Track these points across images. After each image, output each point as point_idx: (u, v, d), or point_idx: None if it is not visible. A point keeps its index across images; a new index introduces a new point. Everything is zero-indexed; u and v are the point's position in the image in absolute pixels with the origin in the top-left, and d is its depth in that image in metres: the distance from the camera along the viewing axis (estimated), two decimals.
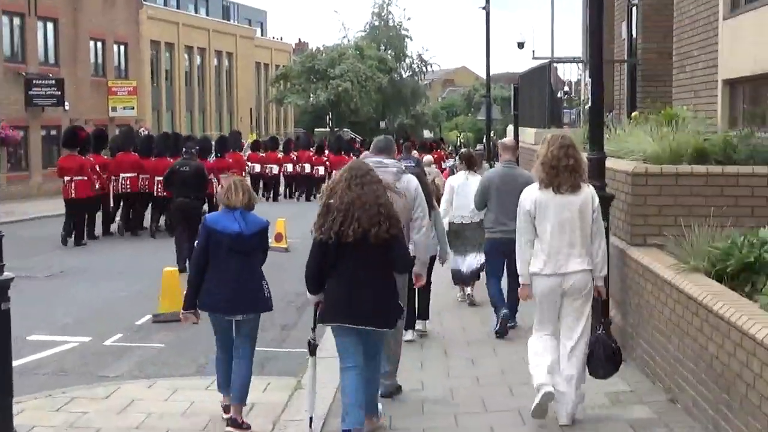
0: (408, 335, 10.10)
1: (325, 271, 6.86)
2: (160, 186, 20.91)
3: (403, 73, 76.37)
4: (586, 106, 14.82)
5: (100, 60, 46.26)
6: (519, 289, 7.61)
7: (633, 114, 11.55)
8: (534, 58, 36.64)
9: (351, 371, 6.91)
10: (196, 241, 7.64)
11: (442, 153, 38.57)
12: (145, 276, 15.65)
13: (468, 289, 13.04)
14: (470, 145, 59.02)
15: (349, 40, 74.37)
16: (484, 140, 66.02)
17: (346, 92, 65.64)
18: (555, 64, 17.68)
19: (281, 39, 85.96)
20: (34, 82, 36.88)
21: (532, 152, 15.62)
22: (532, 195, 7.35)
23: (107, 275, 16.76)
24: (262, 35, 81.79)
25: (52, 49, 39.72)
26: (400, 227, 6.98)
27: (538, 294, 7.38)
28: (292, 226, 24.24)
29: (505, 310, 10.56)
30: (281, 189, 37.11)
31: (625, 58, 17.50)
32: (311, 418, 7.23)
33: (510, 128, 24.20)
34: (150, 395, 8.63)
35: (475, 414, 7.85)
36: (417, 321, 10.65)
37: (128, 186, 22.44)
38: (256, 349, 7.96)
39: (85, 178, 20.85)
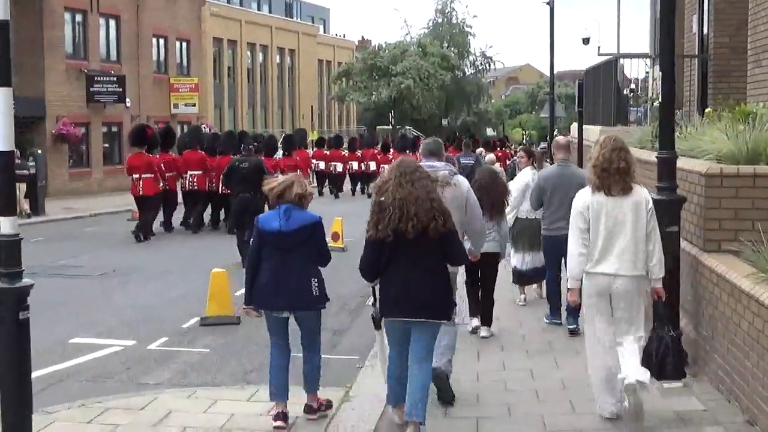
0: (474, 322, 10.58)
1: (381, 265, 6.94)
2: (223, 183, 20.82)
3: (466, 70, 75.57)
4: (655, 103, 14.13)
5: (162, 57, 46.41)
6: (567, 294, 7.67)
7: (706, 111, 10.88)
8: (599, 54, 35.71)
9: (394, 363, 7.19)
10: (251, 239, 7.65)
11: (507, 151, 37.80)
12: (199, 276, 15.25)
13: (534, 287, 12.86)
14: (534, 143, 58.09)
15: (411, 38, 73.80)
16: (548, 138, 65.45)
17: (408, 89, 65.03)
18: (621, 60, 16.95)
19: (344, 36, 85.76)
20: (95, 78, 37.00)
21: None
22: (584, 198, 7.42)
23: (160, 275, 16.46)
24: (324, 32, 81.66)
25: (114, 46, 39.87)
26: (453, 221, 7.03)
27: (589, 292, 7.42)
28: (351, 224, 23.81)
29: (571, 326, 10.51)
30: (346, 186, 36.93)
31: (696, 53, 16.72)
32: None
33: (574, 126, 23.49)
34: (188, 406, 8.16)
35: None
36: (482, 328, 10.67)
37: (195, 184, 22.72)
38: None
39: (153, 175, 21.30)
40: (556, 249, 10.40)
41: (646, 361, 7.38)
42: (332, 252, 18.06)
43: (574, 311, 10.26)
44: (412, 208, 6.77)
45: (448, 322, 7.38)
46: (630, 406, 7.29)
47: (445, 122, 73.55)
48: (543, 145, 44.80)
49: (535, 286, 12.90)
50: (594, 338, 7.47)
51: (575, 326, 10.43)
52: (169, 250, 19.83)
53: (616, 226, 7.26)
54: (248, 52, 62.69)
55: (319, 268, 7.70)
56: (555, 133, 25.98)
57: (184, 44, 48.45)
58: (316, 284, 7.48)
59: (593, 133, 16.22)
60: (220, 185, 21.48)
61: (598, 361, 7.42)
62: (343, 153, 36.74)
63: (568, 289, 7.58)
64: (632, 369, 7.19)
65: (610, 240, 7.26)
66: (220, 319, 11.85)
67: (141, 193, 21.28)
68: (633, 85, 20.27)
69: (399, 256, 6.86)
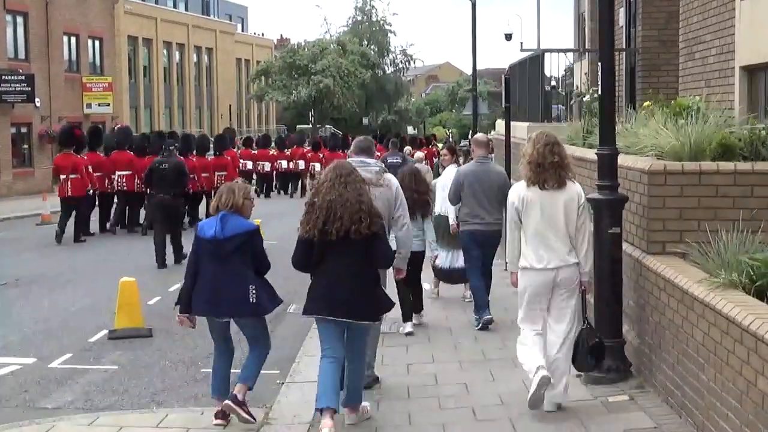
0: (407, 327, 10.67)
1: (310, 264, 7.15)
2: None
3: (386, 68, 75.08)
4: (585, 98, 13.65)
5: (73, 55, 44.97)
6: (511, 278, 7.94)
7: (645, 104, 10.38)
8: (522, 50, 35.41)
9: (329, 360, 7.09)
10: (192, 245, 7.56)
11: (434, 149, 37.29)
12: (110, 284, 14.31)
13: (465, 289, 12.45)
14: (456, 141, 57.82)
15: (331, 36, 73.05)
16: (469, 136, 65.12)
17: (327, 88, 64.23)
18: (547, 55, 16.43)
19: (263, 35, 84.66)
20: (2, 77, 35.51)
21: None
22: (519, 192, 7.58)
23: (67, 283, 15.45)
24: (243, 31, 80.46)
25: (22, 43, 38.31)
26: (382, 224, 7.23)
27: (526, 288, 7.54)
28: (275, 225, 23.11)
29: (488, 316, 10.70)
30: (274, 186, 36.73)
31: (624, 46, 16.31)
32: None
33: (499, 122, 23.02)
34: None
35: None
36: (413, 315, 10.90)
37: (124, 184, 22.49)
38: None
39: (79, 176, 20.99)
40: (475, 243, 10.88)
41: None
42: None
43: (483, 308, 10.70)
44: (339, 210, 6.94)
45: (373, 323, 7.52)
46: (534, 394, 7.31)
47: (365, 121, 72.97)
48: (464, 142, 44.39)
49: (463, 286, 12.56)
50: (529, 335, 7.56)
51: (489, 317, 10.66)
52: (80, 256, 18.81)
53: (553, 219, 7.41)
54: (164, 51, 61.34)
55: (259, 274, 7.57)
56: (478, 130, 25.41)
57: (97, 42, 47.06)
58: (254, 291, 7.31)
59: (521, 129, 15.68)
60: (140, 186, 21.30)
61: (527, 354, 7.51)
62: (271, 152, 36.39)
63: (510, 273, 7.90)
64: (551, 361, 7.41)
65: (545, 233, 7.42)
66: (129, 331, 11.03)
67: (69, 194, 20.85)
68: (553, 82, 19.85)
69: (326, 256, 7.04)
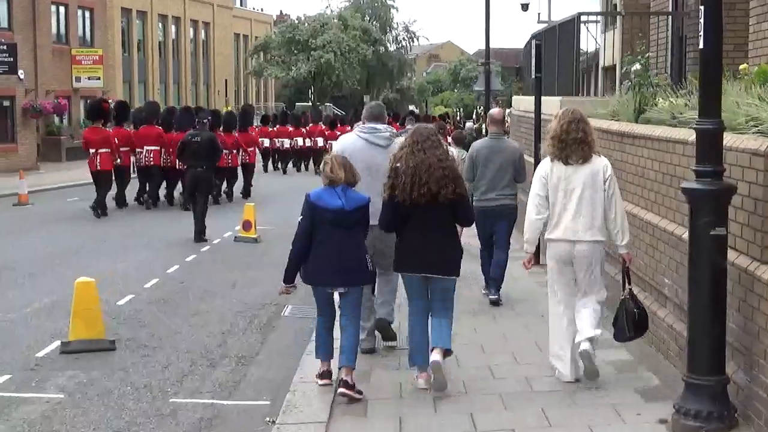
0: None
1: (397, 225, 7.47)
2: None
3: (388, 45, 72.83)
4: (635, 66, 11.55)
5: (62, 26, 42.80)
6: (525, 259, 8.03)
7: (741, 67, 8.39)
8: (540, 21, 33.30)
9: (415, 317, 7.56)
10: (299, 218, 7.47)
11: (449, 128, 35.41)
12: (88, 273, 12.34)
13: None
14: (462, 121, 55.66)
15: (332, 11, 70.76)
16: (475, 114, 62.94)
17: (328, 64, 62.04)
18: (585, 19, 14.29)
19: (262, 10, 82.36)
20: None
21: None
22: (544, 168, 7.58)
23: (28, 277, 13.33)
24: (241, 6, 78.19)
25: (4, 11, 36.05)
26: (464, 186, 7.61)
27: (551, 259, 7.61)
28: (277, 207, 21.44)
29: (494, 296, 10.61)
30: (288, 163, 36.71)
31: (669, 9, 14.27)
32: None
33: (516, 99, 20.93)
34: None
35: None
36: None
37: (151, 159, 22.51)
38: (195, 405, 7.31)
39: (110, 150, 21.23)
40: (489, 221, 10.70)
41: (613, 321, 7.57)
42: (243, 244, 15.67)
43: (496, 283, 10.64)
44: (424, 176, 7.23)
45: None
46: (585, 370, 7.39)
47: (366, 99, 70.75)
48: (468, 124, 42.25)
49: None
50: (555, 305, 7.62)
51: (496, 297, 10.54)
52: (63, 239, 16.74)
53: (573, 194, 7.37)
54: (160, 24, 59.20)
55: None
56: (493, 106, 23.45)
57: (87, 13, 44.85)
58: (369, 259, 7.60)
59: (551, 104, 13.62)
60: (176, 161, 20.82)
61: (559, 328, 7.57)
62: (289, 129, 36.32)
63: (526, 252, 7.97)
64: (585, 331, 7.36)
65: (568, 207, 7.40)
66: (86, 344, 8.97)
67: (99, 168, 20.91)
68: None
69: (413, 218, 7.36)
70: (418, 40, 75.76)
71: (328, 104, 65.27)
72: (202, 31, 65.40)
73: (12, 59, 33.96)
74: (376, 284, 8.49)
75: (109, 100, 44.61)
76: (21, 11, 36.61)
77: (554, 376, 7.63)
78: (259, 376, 8.41)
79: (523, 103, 17.64)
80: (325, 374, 7.56)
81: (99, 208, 20.46)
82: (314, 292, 7.64)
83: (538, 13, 33.36)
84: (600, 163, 7.43)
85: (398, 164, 7.33)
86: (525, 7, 34.30)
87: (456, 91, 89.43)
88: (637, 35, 16.10)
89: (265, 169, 35.14)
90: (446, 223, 7.46)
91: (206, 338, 9.73)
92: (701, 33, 6.11)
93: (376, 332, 8.60)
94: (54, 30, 41.66)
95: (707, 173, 6.02)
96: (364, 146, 8.42)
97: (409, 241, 7.43)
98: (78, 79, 43.21)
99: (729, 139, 6.39)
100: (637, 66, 11.48)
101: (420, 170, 7.22)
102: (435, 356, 7.31)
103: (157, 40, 58.80)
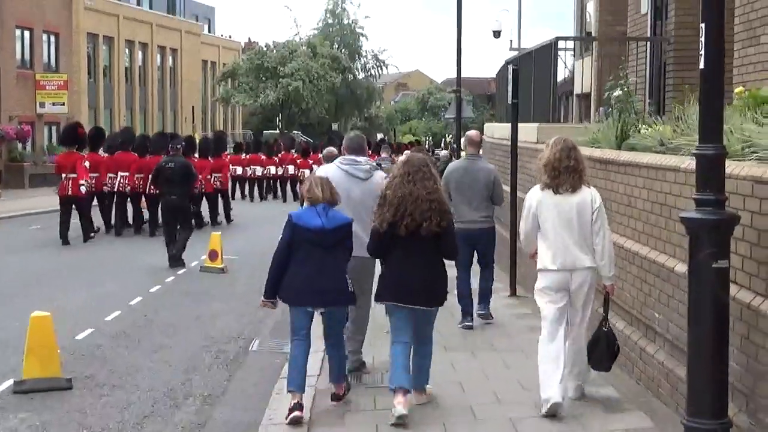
0: None
1: (383, 253, 7.51)
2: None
3: (357, 73, 72.59)
4: (615, 93, 11.22)
5: (27, 51, 42.21)
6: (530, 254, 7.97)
7: (737, 90, 8.04)
8: (512, 48, 33.13)
9: (400, 345, 7.41)
10: (280, 237, 7.52)
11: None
12: (52, 302, 11.75)
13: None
14: (431, 149, 55.41)
15: (301, 38, 70.45)
16: (443, 143, 62.68)
17: (296, 92, 61.66)
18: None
19: (230, 37, 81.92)
20: None
21: (533, 152, 12.04)
22: (535, 195, 7.59)
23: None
24: (209, 32, 77.70)
25: None
26: (451, 219, 7.57)
27: (543, 289, 7.49)
28: (242, 236, 21.09)
29: (482, 311, 10.76)
30: (262, 191, 36.52)
31: (648, 35, 13.97)
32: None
33: (488, 126, 20.58)
34: None
35: None
36: None
37: (127, 185, 22.36)
38: None
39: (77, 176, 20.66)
40: (468, 243, 10.39)
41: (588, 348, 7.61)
42: (209, 274, 15.12)
43: (486, 299, 10.79)
44: (409, 206, 7.26)
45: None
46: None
47: (335, 127, 70.47)
48: (442, 152, 41.95)
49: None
50: (547, 334, 7.41)
51: (485, 312, 10.70)
52: (32, 264, 16.12)
53: (567, 223, 7.36)
54: (126, 50, 58.59)
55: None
56: (463, 133, 23.01)
57: (53, 38, 44.34)
58: (349, 280, 7.56)
59: (528, 132, 13.27)
60: (148, 187, 20.77)
61: (549, 356, 7.33)
62: (262, 157, 36.22)
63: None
64: (572, 379, 7.55)
65: (562, 235, 7.37)
66: (41, 383, 8.41)
67: (70, 193, 20.44)
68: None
69: (398, 248, 7.38)
70: (387, 68, 75.75)
71: (296, 132, 64.74)
72: (170, 58, 64.84)
73: None
74: (349, 319, 8.23)
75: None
76: None
77: (539, 416, 7.24)
78: (226, 418, 7.89)
79: (498, 130, 17.29)
80: (296, 406, 7.20)
81: (89, 234, 20.59)
82: (292, 314, 7.52)
83: (510, 40, 33.29)
84: (588, 193, 7.42)
85: (388, 191, 7.39)
86: (497, 34, 34.09)
87: (424, 119, 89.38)
88: (613, 62, 15.82)
89: (233, 197, 34.28)
90: (431, 254, 7.43)
91: (169, 376, 9.20)
92: (701, 52, 5.75)
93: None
94: (18, 55, 41.08)
95: (708, 202, 5.62)
96: (343, 177, 8.32)
97: (394, 271, 7.44)
98: (42, 105, 42.71)
99: (728, 166, 6.00)
100: (619, 92, 11.17)
101: (407, 201, 7.25)
102: (418, 399, 7.55)
103: (124, 65, 58.19)
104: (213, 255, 16.38)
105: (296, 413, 7.14)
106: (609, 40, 15.58)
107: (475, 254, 11.00)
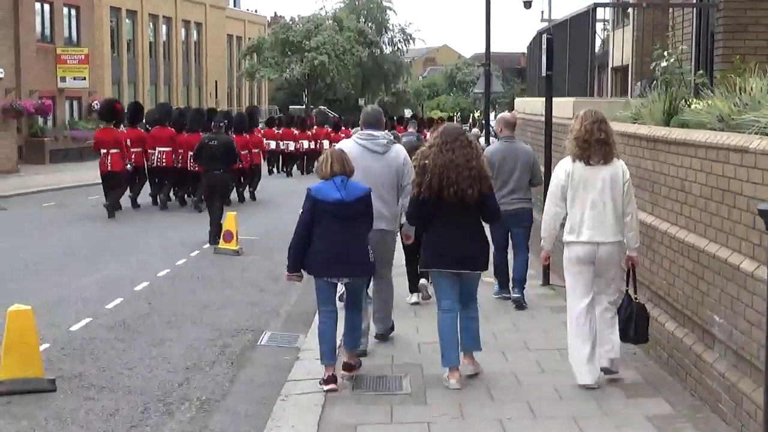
0: (413, 298, 10.69)
1: (426, 221, 7.67)
2: (191, 161, 21.01)
3: (384, 47, 71.36)
4: (662, 64, 10.19)
5: (47, 24, 41.40)
6: (541, 254, 7.94)
7: None
8: (543, 20, 31.98)
9: (447, 314, 7.62)
10: (300, 211, 7.65)
11: None
12: (43, 292, 10.95)
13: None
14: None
15: (326, 12, 69.32)
16: (471, 119, 61.47)
17: (322, 66, 60.60)
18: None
19: (256, 11, 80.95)
20: None
21: (568, 129, 11.05)
22: (565, 167, 7.51)
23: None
24: (234, 6, 76.77)
25: None
26: (491, 185, 7.73)
27: (571, 260, 7.49)
28: (264, 215, 20.47)
29: (517, 295, 10.63)
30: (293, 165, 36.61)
31: (695, 0, 12.87)
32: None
33: (519, 101, 19.55)
34: None
35: None
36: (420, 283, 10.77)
37: (163, 160, 22.54)
38: None
39: (120, 151, 21.01)
40: (505, 224, 10.26)
41: None
42: (222, 257, 14.29)
43: (520, 283, 10.65)
44: (452, 174, 7.40)
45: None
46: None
47: (361, 102, 69.43)
48: (474, 130, 40.99)
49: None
50: (576, 308, 7.46)
51: (519, 296, 10.57)
52: (24, 252, 15.27)
53: (595, 194, 7.34)
54: (150, 24, 57.81)
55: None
56: (497, 107, 22.16)
57: (73, 11, 43.47)
58: (371, 251, 7.68)
59: (563, 107, 12.25)
60: (188, 162, 21.53)
61: (578, 330, 7.42)
62: (295, 132, 36.19)
63: (543, 249, 7.84)
64: (606, 348, 7.47)
65: (590, 207, 7.36)
66: (20, 384, 7.54)
67: (110, 168, 20.73)
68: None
69: (440, 215, 7.53)
70: (414, 42, 74.48)
71: (322, 107, 63.82)
72: (194, 32, 64.13)
73: None
74: (373, 291, 8.80)
75: (95, 102, 43.62)
76: (1, 7, 35.09)
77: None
78: (223, 427, 6.99)
79: (529, 105, 16.26)
80: (330, 379, 7.46)
81: (112, 208, 20.47)
82: (317, 285, 7.69)
83: (542, 11, 32.06)
84: (620, 166, 7.43)
85: (426, 161, 7.50)
86: (528, 4, 32.87)
87: (452, 95, 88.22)
88: (654, 32, 14.74)
89: (270, 172, 34.65)
90: (474, 219, 7.64)
91: (166, 375, 8.29)
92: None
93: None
94: (39, 28, 40.28)
95: None
96: (361, 152, 8.36)
97: (439, 239, 7.59)
98: (63, 79, 41.93)
99: None
100: (665, 62, 10.15)
101: (448, 169, 7.39)
102: (467, 368, 7.68)
103: (148, 40, 57.47)
104: (228, 236, 15.53)
105: (332, 385, 7.37)
106: (654, 5, 14.47)
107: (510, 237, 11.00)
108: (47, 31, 41.57)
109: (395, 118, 39.53)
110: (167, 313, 10.87)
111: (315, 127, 37.90)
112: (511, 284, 10.82)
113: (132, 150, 21.77)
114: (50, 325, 9.87)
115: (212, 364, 8.72)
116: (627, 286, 7.51)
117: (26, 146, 39.09)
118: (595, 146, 7.34)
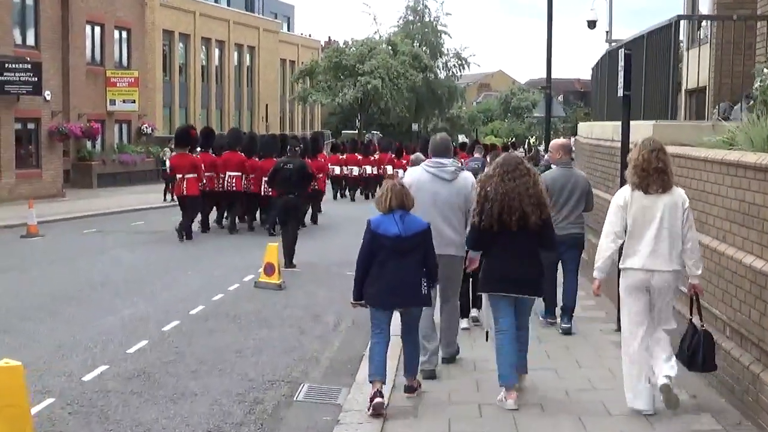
0: (463, 323, 10.41)
1: (485, 247, 7.96)
2: (264, 185, 21.33)
3: (438, 72, 70.20)
4: (757, 84, 8.85)
5: (97, 46, 40.85)
6: (593, 284, 7.93)
7: None
8: (607, 40, 30.56)
9: (504, 334, 7.87)
10: (361, 242, 7.87)
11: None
12: (61, 333, 9.79)
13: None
14: (526, 150, 52.79)
15: (380, 36, 68.38)
16: (526, 145, 59.97)
17: (375, 90, 59.53)
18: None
19: (309, 36, 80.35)
20: (6, 65, 30.90)
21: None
22: (623, 196, 7.63)
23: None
24: (288, 30, 76.25)
25: (31, 29, 33.85)
26: (549, 213, 7.99)
27: (626, 288, 7.58)
28: (322, 241, 19.49)
29: (567, 325, 10.61)
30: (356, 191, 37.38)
31: None
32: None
33: (583, 126, 18.21)
34: None
35: None
36: (471, 309, 10.87)
37: (233, 185, 22.80)
38: None
39: (196, 175, 21.47)
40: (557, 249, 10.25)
41: (678, 352, 7.51)
42: (263, 291, 13.09)
43: (569, 311, 10.63)
44: (514, 202, 7.69)
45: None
46: (666, 400, 7.29)
47: (415, 127, 68.31)
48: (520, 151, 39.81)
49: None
50: (629, 334, 7.55)
51: (569, 326, 10.57)
52: (54, 283, 14.25)
53: (653, 223, 7.40)
54: (203, 48, 57.27)
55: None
56: (553, 134, 21.00)
57: (124, 33, 42.95)
58: (425, 284, 7.86)
59: (641, 130, 10.89)
60: (262, 187, 21.78)
61: (633, 357, 7.48)
62: (359, 157, 36.99)
63: (595, 278, 7.79)
64: (663, 368, 7.34)
65: (647, 236, 7.40)
66: None
67: (185, 193, 21.24)
68: None
69: (500, 242, 7.83)
70: (469, 67, 72.97)
71: (374, 132, 62.75)
72: (247, 56, 63.55)
73: (36, 79, 31.73)
74: (441, 314, 9.00)
75: (146, 126, 42.96)
76: (50, 29, 34.43)
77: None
78: None
79: (598, 129, 14.92)
80: (377, 394, 7.56)
81: (184, 232, 20.62)
82: (372, 313, 7.91)
83: (606, 31, 30.56)
84: (679, 194, 7.50)
85: (487, 189, 7.77)
86: (592, 24, 31.52)
87: (507, 120, 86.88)
88: (733, 50, 13.35)
89: (335, 197, 34.86)
90: (531, 245, 7.86)
91: None
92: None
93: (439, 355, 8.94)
94: (88, 51, 39.72)
95: None
96: (430, 179, 8.73)
97: (499, 264, 7.87)
98: (113, 102, 41.41)
99: None
100: (758, 82, 8.82)
101: (510, 197, 7.66)
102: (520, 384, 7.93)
103: (200, 63, 56.93)
104: (269, 269, 14.34)
105: (378, 400, 7.47)
106: (747, 17, 13.06)
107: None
108: (97, 53, 41.02)
109: (459, 144, 39.18)
110: (194, 359, 9.68)
111: (378, 152, 38.18)
112: (559, 311, 10.82)
113: (204, 174, 22.17)
114: (60, 375, 8.78)
115: (238, 427, 7.50)
116: (691, 314, 7.54)
117: (74, 170, 38.52)
118: (654, 175, 7.41)
